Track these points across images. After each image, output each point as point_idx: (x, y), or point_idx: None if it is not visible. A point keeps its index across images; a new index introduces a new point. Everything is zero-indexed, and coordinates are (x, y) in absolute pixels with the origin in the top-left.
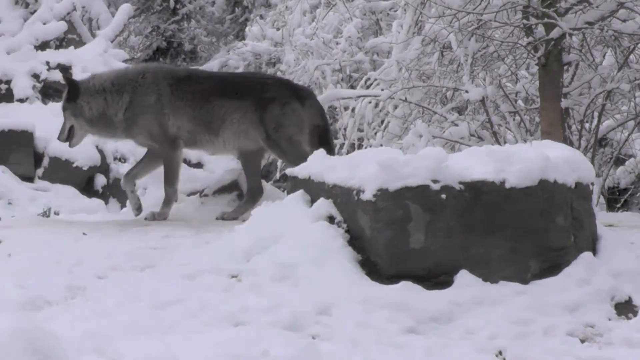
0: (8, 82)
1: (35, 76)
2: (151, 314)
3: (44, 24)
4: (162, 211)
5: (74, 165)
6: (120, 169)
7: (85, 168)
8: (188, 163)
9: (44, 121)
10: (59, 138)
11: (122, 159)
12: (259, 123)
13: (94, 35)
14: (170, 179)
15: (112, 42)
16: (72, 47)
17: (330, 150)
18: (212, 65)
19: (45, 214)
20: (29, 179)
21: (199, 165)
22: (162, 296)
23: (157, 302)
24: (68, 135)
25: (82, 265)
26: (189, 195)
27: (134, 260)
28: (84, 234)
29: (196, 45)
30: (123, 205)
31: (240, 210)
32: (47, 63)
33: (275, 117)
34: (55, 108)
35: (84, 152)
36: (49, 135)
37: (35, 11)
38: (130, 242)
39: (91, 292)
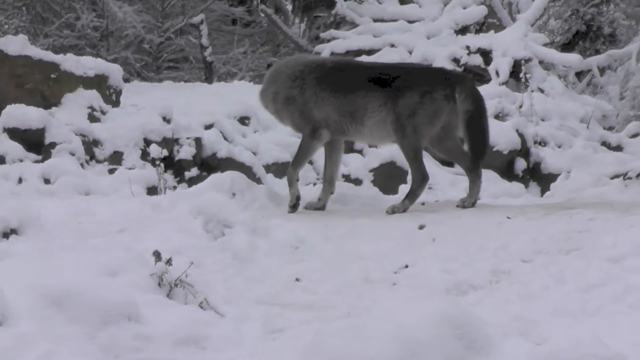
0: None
1: (456, 60)
2: (576, 297)
3: (464, 8)
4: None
5: (495, 149)
6: (541, 153)
7: (505, 152)
8: None
9: None
10: None
11: (543, 143)
12: (393, 109)
13: (513, 19)
14: None
15: (532, 25)
16: (492, 32)
17: (480, 135)
18: (632, 49)
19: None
20: (449, 163)
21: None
22: (587, 279)
23: (583, 285)
24: None
25: (506, 249)
26: (612, 178)
27: (559, 243)
28: (508, 217)
29: (615, 29)
30: (544, 190)
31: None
32: (467, 47)
33: (412, 105)
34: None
35: (505, 135)
36: None
37: None
38: (554, 226)
39: (516, 275)
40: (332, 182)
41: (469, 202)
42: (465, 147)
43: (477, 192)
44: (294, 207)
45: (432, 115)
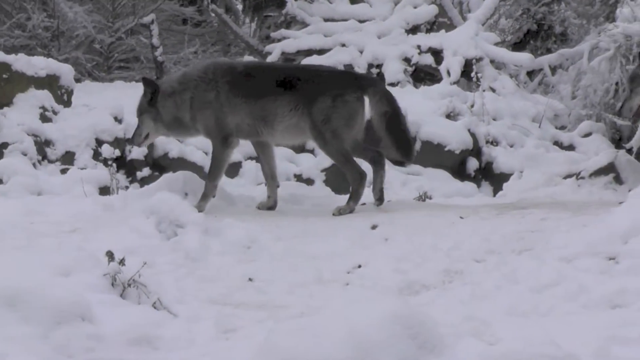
0: (379, 66)
1: (406, 60)
2: (529, 297)
3: (415, 7)
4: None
5: (447, 148)
6: (493, 153)
7: (457, 152)
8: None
9: (416, 105)
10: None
11: (494, 142)
12: (308, 115)
13: (464, 19)
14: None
15: (483, 25)
16: (443, 31)
17: (402, 134)
18: (583, 48)
19: (421, 198)
20: (400, 163)
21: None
22: (540, 279)
23: (535, 285)
24: None
25: (459, 249)
26: (565, 177)
27: (512, 243)
28: (461, 217)
29: (566, 28)
30: (496, 189)
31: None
32: (418, 47)
33: (325, 110)
34: (428, 92)
35: (457, 135)
36: (421, 119)
37: None
38: (507, 226)
39: (469, 275)
40: (274, 177)
41: (377, 193)
42: (394, 146)
43: (382, 182)
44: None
45: (348, 117)
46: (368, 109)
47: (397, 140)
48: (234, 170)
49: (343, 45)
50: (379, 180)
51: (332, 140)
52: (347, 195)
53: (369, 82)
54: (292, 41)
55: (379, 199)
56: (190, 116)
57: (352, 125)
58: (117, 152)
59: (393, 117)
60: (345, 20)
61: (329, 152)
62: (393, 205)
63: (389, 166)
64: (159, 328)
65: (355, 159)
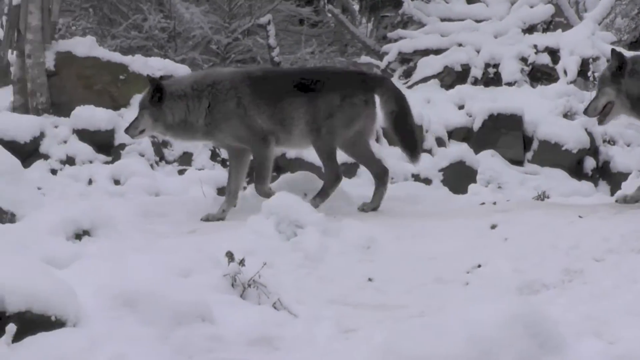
0: (496, 65)
1: (523, 59)
2: None
3: (531, 7)
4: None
5: (564, 148)
6: (610, 152)
7: (574, 151)
8: None
9: (533, 104)
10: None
11: (611, 142)
12: (314, 107)
13: (580, 18)
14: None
15: (599, 24)
16: (559, 30)
17: (408, 133)
18: None
19: (539, 197)
20: (518, 162)
21: None
22: None
23: None
24: None
25: (578, 248)
26: None
27: (631, 242)
28: (580, 216)
29: None
30: (614, 189)
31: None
32: (535, 46)
33: (331, 107)
34: (544, 91)
35: (574, 134)
36: (538, 118)
37: None
38: (626, 225)
39: (588, 275)
40: (237, 196)
41: (369, 207)
42: (400, 145)
43: (380, 199)
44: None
45: (349, 119)
46: (378, 109)
47: (403, 140)
48: (352, 170)
49: (460, 45)
50: (378, 196)
51: (325, 136)
52: (465, 195)
53: (377, 81)
54: (408, 41)
55: (374, 208)
56: (206, 122)
57: (351, 126)
58: None
59: (400, 116)
60: (462, 20)
61: (318, 146)
62: (512, 205)
63: (506, 165)
64: (280, 328)
65: (361, 166)
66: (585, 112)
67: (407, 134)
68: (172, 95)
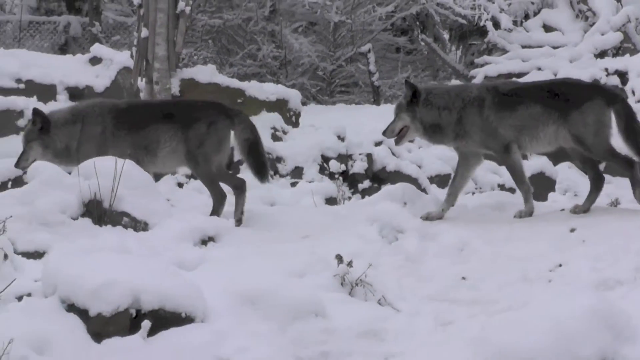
0: None
1: (595, 81)
2: None
3: (602, 34)
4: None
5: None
6: None
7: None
8: None
9: None
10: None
11: None
12: (185, 141)
13: None
14: None
15: None
16: (627, 55)
17: (260, 158)
18: None
19: (613, 204)
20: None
21: None
22: None
23: None
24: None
25: None
26: None
27: None
28: None
29: None
30: None
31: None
32: (606, 69)
33: (200, 136)
34: None
35: None
36: None
37: (593, 24)
38: None
39: None
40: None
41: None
42: (252, 169)
43: (241, 207)
44: None
45: (218, 143)
46: (233, 136)
47: (255, 164)
48: (444, 181)
49: (539, 69)
50: (240, 204)
51: (202, 164)
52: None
53: (235, 112)
54: (493, 66)
55: (239, 220)
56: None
57: (221, 150)
58: (343, 167)
59: (253, 143)
60: (540, 46)
61: (200, 174)
62: (591, 211)
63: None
64: (384, 322)
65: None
66: (384, 133)
67: (259, 159)
68: (55, 123)
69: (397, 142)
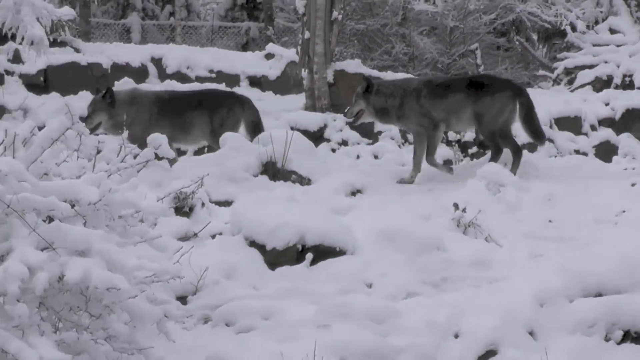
0: (630, 75)
1: None
2: None
3: None
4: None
5: None
6: None
7: None
8: None
9: None
10: (345, 115)
11: None
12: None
13: None
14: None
15: None
16: None
17: (259, 131)
18: None
19: None
20: None
21: None
22: None
23: None
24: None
25: None
26: None
27: None
28: None
29: None
30: None
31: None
32: None
33: (222, 119)
34: None
35: None
36: None
37: None
38: None
39: None
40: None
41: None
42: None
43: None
44: None
45: (234, 123)
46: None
47: (253, 134)
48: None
49: (605, 62)
50: None
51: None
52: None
53: (244, 100)
54: (571, 60)
55: None
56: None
57: (235, 129)
58: (457, 136)
59: (257, 124)
60: (607, 45)
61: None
62: None
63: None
64: (490, 254)
65: None
66: (345, 114)
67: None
68: (120, 101)
69: (354, 122)
